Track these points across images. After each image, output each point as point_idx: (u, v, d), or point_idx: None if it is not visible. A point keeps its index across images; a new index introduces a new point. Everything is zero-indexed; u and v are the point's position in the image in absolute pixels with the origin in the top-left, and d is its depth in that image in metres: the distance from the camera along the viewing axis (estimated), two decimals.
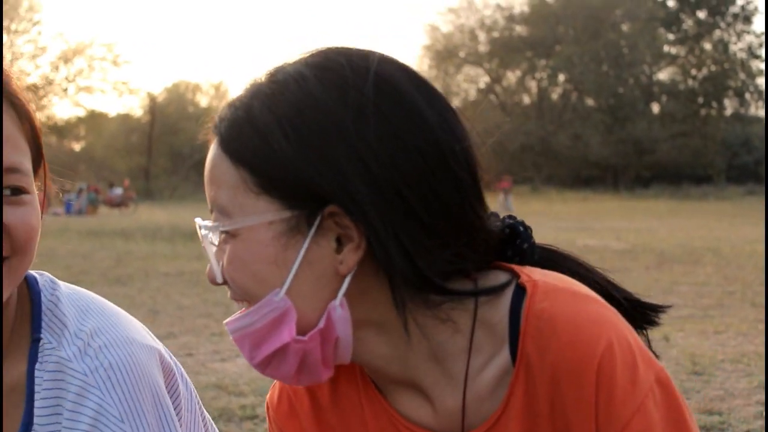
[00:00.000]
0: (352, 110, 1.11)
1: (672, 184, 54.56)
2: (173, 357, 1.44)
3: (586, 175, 62.09)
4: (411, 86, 1.16)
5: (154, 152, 64.69)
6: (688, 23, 63.70)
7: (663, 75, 66.36)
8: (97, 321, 1.33)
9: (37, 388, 1.28)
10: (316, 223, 1.11)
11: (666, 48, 65.50)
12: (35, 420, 1.27)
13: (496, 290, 1.17)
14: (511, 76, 68.55)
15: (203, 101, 77.65)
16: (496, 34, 66.70)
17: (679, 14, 63.61)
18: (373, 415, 1.27)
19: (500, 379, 1.16)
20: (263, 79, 1.17)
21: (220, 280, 1.15)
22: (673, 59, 65.12)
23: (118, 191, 40.20)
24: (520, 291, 1.16)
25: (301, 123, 1.11)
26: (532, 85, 67.93)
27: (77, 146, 70.94)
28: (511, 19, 66.47)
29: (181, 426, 1.37)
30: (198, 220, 1.20)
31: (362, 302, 1.14)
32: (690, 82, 63.79)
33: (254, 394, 5.67)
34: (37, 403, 1.27)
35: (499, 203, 36.69)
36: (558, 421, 1.13)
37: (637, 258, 14.29)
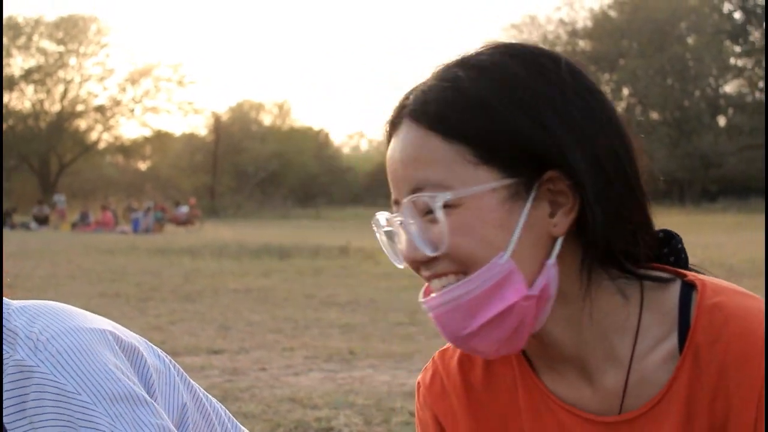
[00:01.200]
0: (556, 87, 1.19)
1: (739, 198, 53.72)
2: (149, 343, 1.56)
3: (652, 188, 61.35)
4: (591, 77, 1.25)
5: (219, 171, 65.31)
6: (754, 35, 62.86)
7: (729, 88, 65.53)
8: (45, 320, 1.42)
9: (5, 395, 1.36)
10: (536, 186, 1.18)
11: (732, 60, 64.70)
12: (5, 426, 1.35)
13: (664, 280, 1.25)
14: None
15: (266, 120, 78.27)
16: (559, 49, 65.86)
17: (745, 26, 62.83)
18: (527, 396, 1.31)
19: (664, 364, 1.22)
20: (455, 67, 1.23)
21: (432, 252, 1.18)
22: (739, 72, 64.28)
23: (184, 209, 40.60)
24: (687, 287, 1.25)
25: (515, 96, 1.18)
26: None
27: (143, 166, 71.90)
28: (574, 33, 66.18)
29: (155, 395, 1.46)
30: (382, 214, 1.28)
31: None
32: (757, 94, 62.88)
33: (328, 407, 5.71)
34: (5, 411, 1.35)
35: None
36: (718, 409, 1.19)
37: (706, 273, 14.05)
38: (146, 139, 68.26)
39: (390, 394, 5.65)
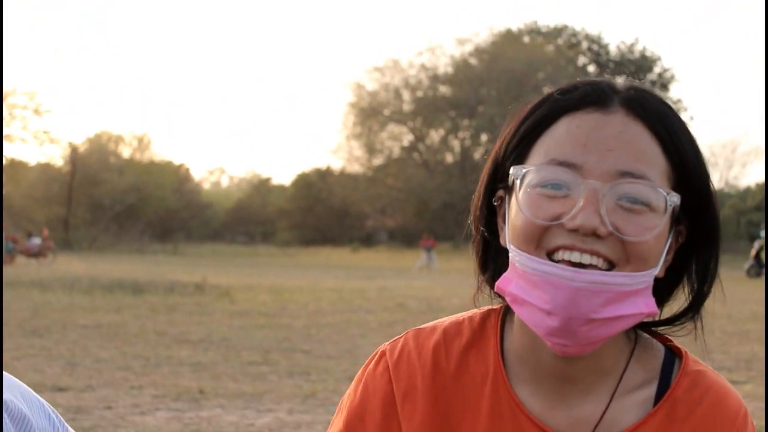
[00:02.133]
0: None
1: None
2: (42, 403, 1.49)
3: None
4: None
5: (74, 202, 63.89)
6: None
7: None
8: None
9: None
10: (674, 227, 1.29)
11: None
12: None
13: (654, 335, 1.39)
14: (435, 135, 69.17)
15: (125, 152, 76.99)
16: (420, 94, 67.33)
17: None
18: (494, 398, 1.36)
19: (636, 408, 1.33)
20: (652, 92, 1.32)
21: (612, 232, 1.23)
22: None
23: (37, 241, 39.52)
24: (671, 352, 1.38)
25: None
26: (455, 144, 68.60)
27: None
28: (435, 79, 67.21)
29: None
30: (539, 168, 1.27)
31: None
32: None
33: None
34: None
35: (421, 260, 36.88)
36: None
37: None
38: None
39: None
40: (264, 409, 6.41)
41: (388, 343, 1.44)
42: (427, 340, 1.40)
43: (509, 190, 1.29)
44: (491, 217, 1.36)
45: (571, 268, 1.21)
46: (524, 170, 1.26)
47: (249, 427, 5.83)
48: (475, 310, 1.44)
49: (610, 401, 1.32)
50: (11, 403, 1.41)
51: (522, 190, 1.26)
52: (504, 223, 1.31)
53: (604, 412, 1.32)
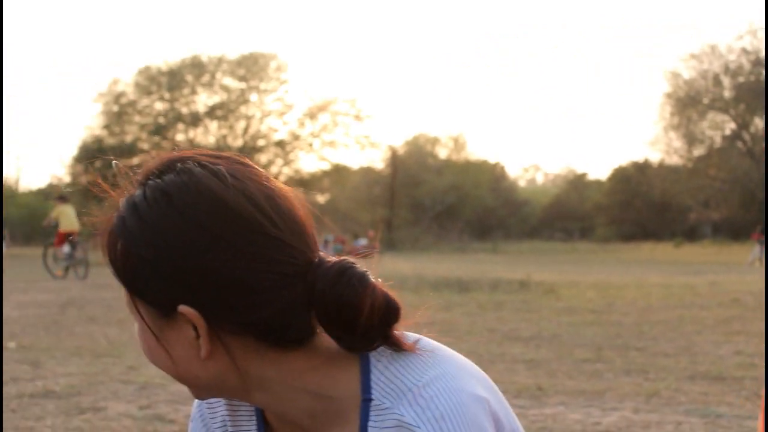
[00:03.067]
0: None
1: None
2: (504, 405, 1.43)
3: None
4: None
5: (396, 204, 65.98)
6: None
7: None
8: (434, 373, 1.33)
9: None
10: None
11: None
12: None
13: None
14: (759, 122, 65.95)
15: (442, 153, 78.67)
16: (741, 79, 64.45)
17: None
18: None
19: None
20: None
21: None
22: None
23: (363, 242, 41.10)
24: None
25: None
26: None
27: (322, 199, 73.27)
28: (757, 63, 64.07)
29: None
30: None
31: None
32: None
33: None
34: None
35: (753, 254, 35.18)
36: None
37: None
38: (324, 173, 69.51)
39: None
40: (608, 408, 6.26)
41: None
42: None
43: None
44: None
45: None
46: None
47: (595, 426, 5.70)
48: None
49: None
50: (493, 403, 1.37)
51: None
52: None
53: None
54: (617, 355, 9.02)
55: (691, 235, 66.34)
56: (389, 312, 1.33)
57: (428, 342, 1.42)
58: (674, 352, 9.17)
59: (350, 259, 1.33)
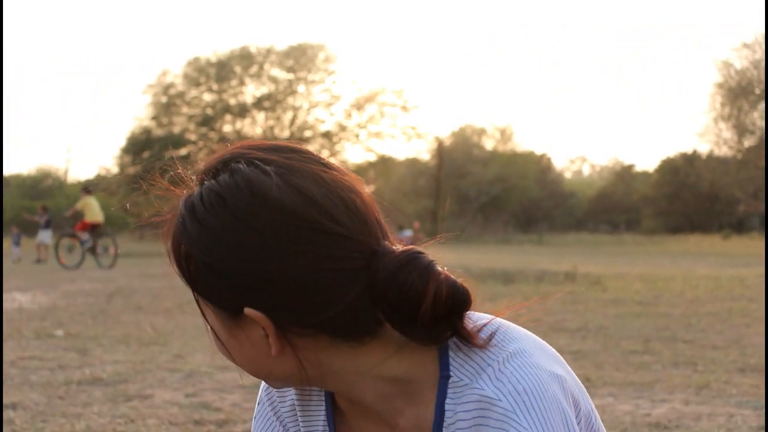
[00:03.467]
0: None
1: None
2: (579, 385, 1.43)
3: None
4: None
5: (441, 195, 65.95)
6: None
7: None
8: (514, 348, 1.33)
9: (447, 422, 1.30)
10: None
11: None
12: None
13: None
14: None
15: (488, 144, 78.46)
16: None
17: None
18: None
19: None
20: None
21: None
22: None
23: (408, 233, 41.11)
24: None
25: None
26: None
27: (368, 190, 73.17)
28: None
29: None
30: None
31: None
32: None
33: None
34: None
35: None
36: None
37: None
38: (370, 164, 69.59)
39: (635, 425, 5.46)
40: (657, 399, 6.19)
41: None
42: None
43: None
44: None
45: None
46: None
47: (645, 417, 5.64)
48: None
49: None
50: (568, 380, 1.36)
51: None
52: None
53: None
54: (665, 347, 8.93)
55: (740, 227, 65.64)
56: (456, 302, 1.29)
57: (501, 321, 1.40)
58: (723, 345, 9.07)
59: (418, 248, 1.30)
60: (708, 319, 11.31)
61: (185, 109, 63.89)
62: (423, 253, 1.28)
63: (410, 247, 1.29)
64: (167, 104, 62.82)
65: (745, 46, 64.96)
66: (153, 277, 17.81)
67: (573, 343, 9.46)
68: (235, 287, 1.24)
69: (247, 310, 1.25)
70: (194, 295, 1.31)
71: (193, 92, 64.02)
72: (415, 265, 1.26)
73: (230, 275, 1.24)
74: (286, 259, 1.22)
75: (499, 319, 1.40)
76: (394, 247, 1.29)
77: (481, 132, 78.31)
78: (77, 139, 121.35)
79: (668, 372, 7.51)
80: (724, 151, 67.04)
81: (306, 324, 1.26)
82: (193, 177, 1.32)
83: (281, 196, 1.24)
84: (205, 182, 1.28)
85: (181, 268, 1.30)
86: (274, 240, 1.22)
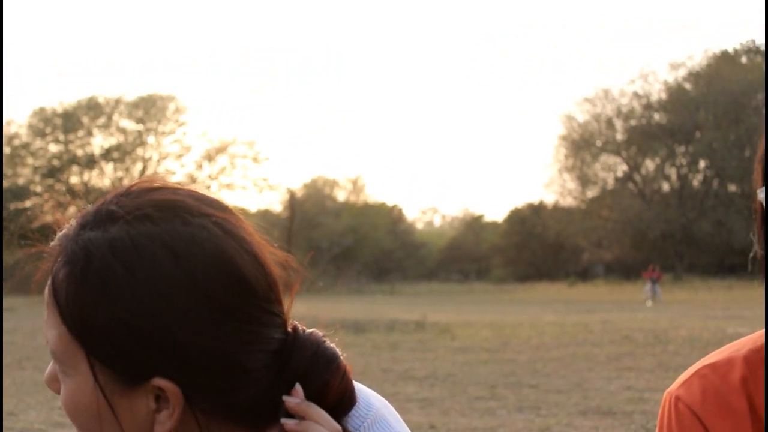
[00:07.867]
0: None
1: None
2: None
3: (730, 262, 60.43)
4: None
5: (293, 246, 65.80)
6: None
7: None
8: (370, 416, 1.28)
9: None
10: None
11: None
12: None
13: None
14: (650, 164, 67.68)
15: (340, 196, 78.83)
16: (633, 122, 66.10)
17: None
18: None
19: None
20: None
21: None
22: None
23: None
24: None
25: None
26: (672, 172, 66.89)
27: None
28: (648, 106, 65.84)
29: None
30: None
31: None
32: None
33: None
34: None
35: (646, 292, 35.86)
36: None
37: None
38: None
39: None
40: None
41: (677, 388, 1.21)
42: (729, 374, 1.18)
43: None
44: None
45: None
46: None
47: None
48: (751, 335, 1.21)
49: None
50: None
51: None
52: None
53: None
54: (510, 392, 9.05)
55: (585, 274, 67.45)
56: (347, 400, 1.22)
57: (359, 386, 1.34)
58: (566, 388, 9.25)
59: (318, 332, 1.17)
60: (552, 364, 11.53)
61: (30, 160, 62.33)
62: (326, 341, 1.20)
63: (312, 331, 1.20)
64: (11, 155, 61.20)
65: (586, 100, 67.27)
66: None
67: (421, 390, 9.50)
68: (155, 354, 1.06)
69: (158, 380, 1.06)
70: (78, 351, 1.09)
71: (39, 143, 62.54)
72: (323, 355, 1.15)
73: (149, 337, 1.05)
74: (227, 333, 1.07)
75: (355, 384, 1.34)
76: (300, 330, 1.16)
77: (333, 183, 78.74)
78: None
79: (512, 417, 7.61)
80: (568, 201, 69.09)
81: (221, 403, 1.10)
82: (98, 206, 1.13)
83: (242, 264, 1.12)
84: (130, 219, 1.09)
85: (73, 319, 1.07)
86: (223, 310, 1.07)
